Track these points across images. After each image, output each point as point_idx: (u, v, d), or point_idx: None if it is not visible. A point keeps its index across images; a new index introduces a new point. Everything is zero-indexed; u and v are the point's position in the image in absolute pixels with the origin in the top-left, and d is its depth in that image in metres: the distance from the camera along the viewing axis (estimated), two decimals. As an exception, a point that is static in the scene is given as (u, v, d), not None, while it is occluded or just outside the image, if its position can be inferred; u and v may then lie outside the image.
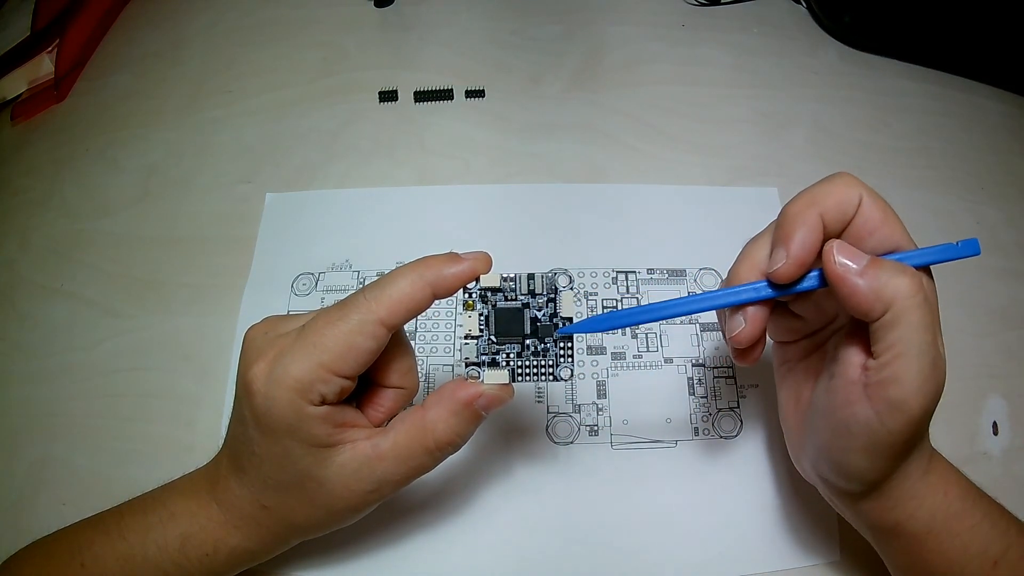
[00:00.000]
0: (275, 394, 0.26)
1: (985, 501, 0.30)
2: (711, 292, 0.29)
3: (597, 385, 0.40)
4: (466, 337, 0.29)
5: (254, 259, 0.44)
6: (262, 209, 0.46)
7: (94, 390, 0.40)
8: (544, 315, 0.29)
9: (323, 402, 0.26)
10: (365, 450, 0.27)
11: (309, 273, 0.43)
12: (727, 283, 0.29)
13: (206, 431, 0.39)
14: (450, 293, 0.27)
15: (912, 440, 0.27)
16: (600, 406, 0.39)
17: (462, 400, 0.28)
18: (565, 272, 0.43)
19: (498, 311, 0.29)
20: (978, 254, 0.27)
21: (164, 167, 0.48)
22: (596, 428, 0.39)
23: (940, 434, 0.39)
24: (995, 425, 0.39)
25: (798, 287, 0.27)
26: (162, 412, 0.40)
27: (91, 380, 0.41)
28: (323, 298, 0.42)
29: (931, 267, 0.28)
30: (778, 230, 0.28)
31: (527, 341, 0.29)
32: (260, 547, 0.29)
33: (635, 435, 0.38)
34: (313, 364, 0.26)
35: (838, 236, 0.27)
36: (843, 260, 0.26)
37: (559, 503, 0.37)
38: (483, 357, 0.29)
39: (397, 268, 0.27)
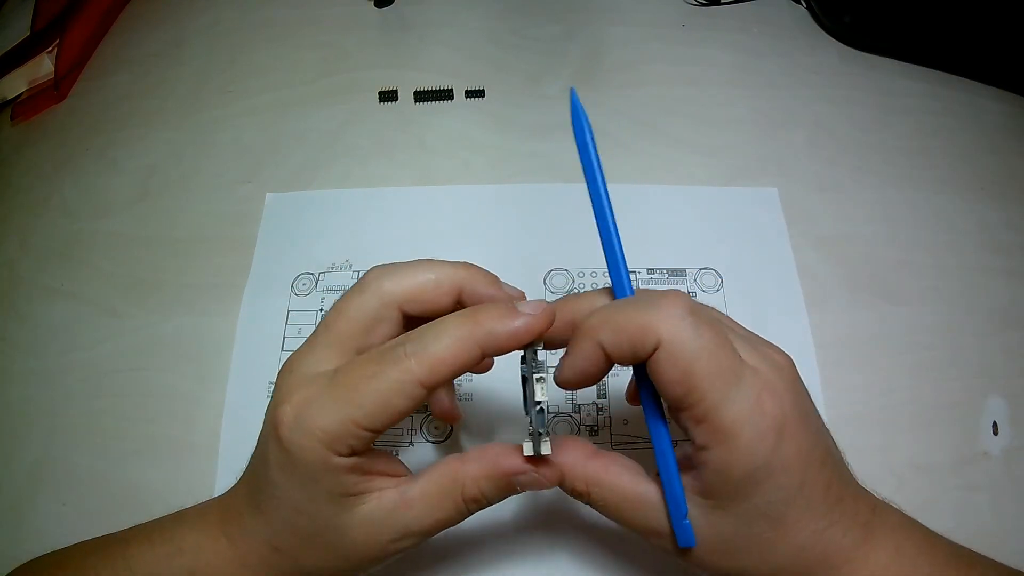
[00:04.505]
0: (301, 442, 0.24)
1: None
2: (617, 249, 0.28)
3: (597, 385, 0.40)
4: (538, 406, 0.25)
5: (254, 259, 0.44)
6: (262, 209, 0.46)
7: (94, 390, 0.40)
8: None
9: (352, 453, 0.25)
10: (392, 498, 0.26)
11: (309, 273, 0.43)
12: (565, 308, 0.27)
13: (206, 431, 0.39)
14: (504, 352, 0.25)
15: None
16: (600, 406, 0.39)
17: (504, 470, 0.26)
18: (565, 272, 0.43)
19: None
20: (692, 546, 0.25)
21: (164, 167, 0.48)
22: (596, 428, 0.39)
23: (940, 434, 0.39)
24: (995, 425, 0.39)
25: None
26: (162, 412, 0.40)
27: (91, 380, 0.41)
28: (323, 298, 0.42)
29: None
30: (571, 342, 0.25)
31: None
32: None
33: (635, 435, 0.38)
34: (344, 419, 0.24)
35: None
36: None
37: (558, 503, 0.37)
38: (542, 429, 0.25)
39: (445, 319, 0.25)
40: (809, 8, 0.56)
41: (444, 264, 0.27)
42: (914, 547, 0.26)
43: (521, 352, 0.26)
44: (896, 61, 0.53)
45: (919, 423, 0.39)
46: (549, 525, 0.36)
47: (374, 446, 0.26)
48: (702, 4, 0.56)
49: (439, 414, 0.32)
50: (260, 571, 0.27)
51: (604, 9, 0.56)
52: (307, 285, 0.43)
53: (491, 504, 0.27)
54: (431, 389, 0.24)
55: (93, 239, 0.46)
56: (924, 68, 0.53)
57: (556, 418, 0.39)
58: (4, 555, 0.31)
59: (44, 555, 0.30)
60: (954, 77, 0.53)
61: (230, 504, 0.29)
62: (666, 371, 0.23)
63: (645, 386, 0.25)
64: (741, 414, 0.23)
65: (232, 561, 0.27)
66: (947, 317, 0.42)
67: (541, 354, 0.26)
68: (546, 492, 0.34)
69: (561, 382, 0.26)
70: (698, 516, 0.25)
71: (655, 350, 0.23)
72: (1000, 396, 0.40)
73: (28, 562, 0.30)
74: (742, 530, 0.24)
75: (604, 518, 0.27)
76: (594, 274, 0.43)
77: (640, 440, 0.38)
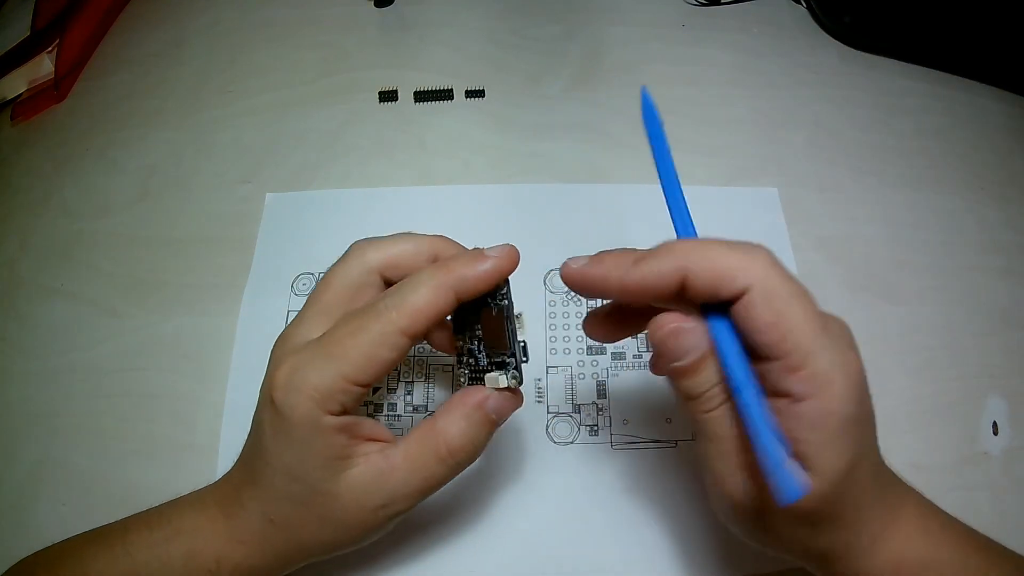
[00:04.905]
0: (293, 402, 0.25)
1: (951, 558, 0.26)
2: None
3: (597, 385, 0.40)
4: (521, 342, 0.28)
5: (254, 259, 0.44)
6: (262, 209, 0.46)
7: (94, 390, 0.40)
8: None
9: (343, 411, 0.26)
10: (378, 463, 0.27)
11: (309, 273, 0.43)
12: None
13: (206, 431, 0.39)
14: (476, 295, 0.27)
15: (786, 540, 0.25)
16: (600, 406, 0.39)
17: (471, 403, 0.27)
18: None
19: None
20: (790, 502, 0.22)
21: (164, 167, 0.48)
22: (596, 428, 0.39)
23: (940, 434, 0.39)
24: (995, 425, 0.39)
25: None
26: (162, 412, 0.40)
27: (91, 380, 0.41)
28: (323, 298, 0.42)
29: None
30: (649, 257, 0.25)
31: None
32: (264, 565, 0.29)
33: (635, 435, 0.38)
34: (333, 375, 0.25)
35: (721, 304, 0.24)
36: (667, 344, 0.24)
37: (559, 503, 0.37)
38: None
39: (419, 272, 0.27)
40: (809, 8, 0.56)
41: (421, 236, 0.29)
42: (939, 528, 0.26)
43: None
44: (896, 61, 0.53)
45: (919, 423, 0.39)
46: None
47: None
48: (702, 4, 0.56)
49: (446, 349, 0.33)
50: (256, 547, 0.28)
51: (604, 9, 0.56)
52: (307, 285, 0.43)
53: (476, 451, 0.28)
54: (413, 338, 0.26)
55: (93, 239, 0.46)
56: (924, 68, 0.53)
57: (556, 418, 0.39)
58: (4, 555, 0.31)
59: (45, 548, 0.30)
60: (954, 77, 0.53)
61: (227, 484, 0.29)
62: (761, 314, 0.23)
63: (721, 327, 0.24)
64: (834, 363, 0.23)
65: (229, 539, 0.28)
66: (947, 317, 0.42)
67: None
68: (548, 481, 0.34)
69: (621, 286, 0.25)
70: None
71: (742, 293, 0.23)
72: (1000, 396, 0.40)
73: (29, 556, 0.30)
74: (833, 493, 0.23)
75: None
76: (594, 274, 0.43)
77: (641, 440, 0.38)
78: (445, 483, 0.28)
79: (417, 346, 0.40)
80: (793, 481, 0.22)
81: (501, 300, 0.27)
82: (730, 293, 0.23)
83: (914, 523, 0.26)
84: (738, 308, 0.23)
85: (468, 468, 0.37)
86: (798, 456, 0.23)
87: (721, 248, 0.24)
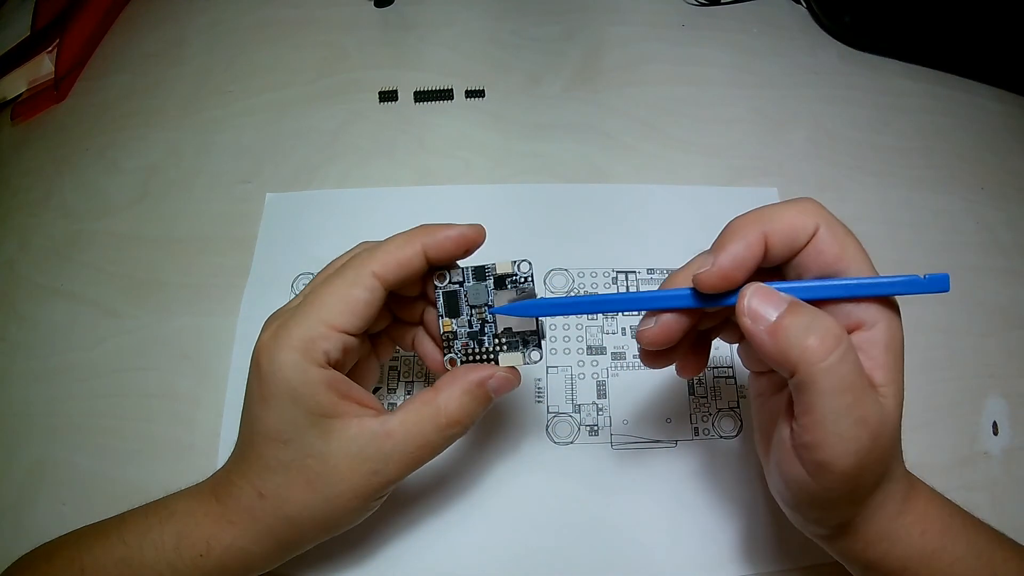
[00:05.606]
0: (279, 357, 0.26)
1: (970, 532, 0.28)
2: (635, 293, 0.29)
3: (597, 385, 0.40)
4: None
5: (254, 259, 0.44)
6: (262, 209, 0.46)
7: (94, 390, 0.40)
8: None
9: (328, 361, 0.27)
10: (372, 426, 0.27)
11: (309, 273, 0.43)
12: (664, 286, 0.28)
13: (206, 431, 0.39)
14: (442, 257, 0.29)
15: (859, 491, 0.25)
16: (600, 406, 0.39)
17: (475, 380, 0.29)
18: (565, 271, 0.43)
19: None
20: (946, 291, 0.24)
21: (164, 167, 0.48)
22: (596, 428, 0.39)
23: (940, 434, 0.39)
24: (995, 425, 0.39)
25: (720, 302, 0.26)
26: (162, 412, 0.40)
27: (91, 380, 0.41)
28: (323, 298, 0.42)
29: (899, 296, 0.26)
30: (717, 239, 0.26)
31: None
32: (254, 546, 0.29)
33: (635, 435, 0.38)
34: (313, 321, 0.27)
35: (788, 261, 0.26)
36: (755, 308, 0.24)
37: (559, 503, 0.37)
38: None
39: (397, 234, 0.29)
40: (809, 8, 0.56)
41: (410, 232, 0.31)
42: (940, 531, 0.27)
43: (511, 276, 0.30)
44: (896, 61, 0.53)
45: (919, 423, 0.39)
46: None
47: None
48: (702, 4, 0.56)
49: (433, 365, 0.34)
50: (246, 526, 0.28)
51: (604, 9, 0.56)
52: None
53: (471, 424, 0.29)
54: (384, 281, 0.28)
55: (93, 239, 0.46)
56: (924, 68, 0.53)
57: (556, 418, 0.39)
58: (4, 555, 0.31)
59: (43, 544, 0.31)
60: (954, 77, 0.53)
61: (223, 471, 0.30)
62: (830, 248, 0.25)
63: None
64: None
65: (219, 519, 0.28)
66: (947, 317, 0.42)
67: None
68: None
69: (715, 272, 0.25)
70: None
71: (813, 235, 0.25)
72: (1000, 396, 0.40)
73: (29, 552, 0.30)
74: (898, 420, 0.25)
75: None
76: (594, 274, 0.43)
77: (641, 440, 0.38)
78: (437, 454, 0.29)
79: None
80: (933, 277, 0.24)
81: (526, 283, 0.30)
82: (806, 237, 0.25)
83: (930, 492, 0.28)
84: (808, 251, 0.25)
85: (470, 467, 0.37)
86: (872, 384, 0.24)
87: (779, 206, 0.26)
